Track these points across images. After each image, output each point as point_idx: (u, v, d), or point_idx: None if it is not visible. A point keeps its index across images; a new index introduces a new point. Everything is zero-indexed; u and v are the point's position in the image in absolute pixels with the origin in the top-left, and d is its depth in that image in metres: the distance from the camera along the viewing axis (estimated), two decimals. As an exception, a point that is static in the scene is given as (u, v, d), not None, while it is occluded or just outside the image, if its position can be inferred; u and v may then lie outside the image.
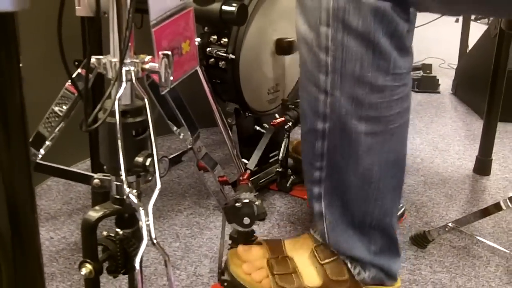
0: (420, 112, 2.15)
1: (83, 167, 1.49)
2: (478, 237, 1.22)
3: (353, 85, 0.82)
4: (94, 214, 0.64)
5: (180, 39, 0.68)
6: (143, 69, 0.63)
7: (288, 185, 1.39)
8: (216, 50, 1.26)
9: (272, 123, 1.35)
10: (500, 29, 1.44)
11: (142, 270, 0.64)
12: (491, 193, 1.48)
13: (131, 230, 0.68)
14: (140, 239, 0.60)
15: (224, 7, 1.18)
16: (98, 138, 0.65)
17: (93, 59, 0.63)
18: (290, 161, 1.41)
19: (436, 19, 2.71)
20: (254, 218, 0.95)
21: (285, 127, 1.32)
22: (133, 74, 0.63)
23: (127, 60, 0.62)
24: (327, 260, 0.95)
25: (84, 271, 0.64)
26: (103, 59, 0.63)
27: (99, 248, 0.66)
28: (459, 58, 2.55)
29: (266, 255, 0.97)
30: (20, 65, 0.41)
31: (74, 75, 1.03)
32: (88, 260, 0.64)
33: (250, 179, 1.26)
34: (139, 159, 0.64)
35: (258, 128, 1.43)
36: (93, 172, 1.26)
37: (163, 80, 0.63)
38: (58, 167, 1.16)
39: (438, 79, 2.43)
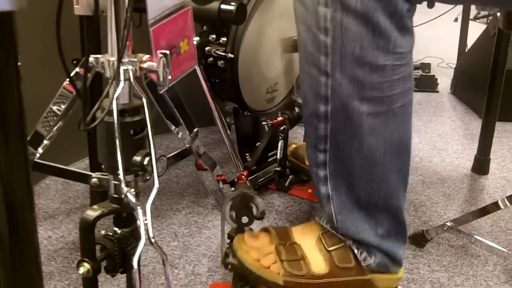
0: (418, 111, 2.14)
1: (81, 166, 1.49)
2: (476, 236, 1.22)
3: (353, 65, 0.82)
4: (92, 213, 0.65)
5: (179, 38, 0.68)
6: (141, 68, 0.63)
7: (286, 184, 1.39)
8: (214, 49, 1.26)
9: (270, 122, 1.35)
10: (499, 29, 1.44)
11: (140, 269, 0.64)
12: (489, 192, 1.48)
13: (129, 229, 0.69)
14: (138, 238, 0.61)
15: (223, 6, 1.17)
16: (96, 137, 0.65)
17: (91, 58, 0.63)
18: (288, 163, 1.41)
19: (435, 18, 2.71)
20: (256, 216, 0.96)
21: (280, 128, 1.31)
22: (131, 73, 0.63)
23: (125, 59, 0.62)
24: (334, 247, 0.95)
25: (82, 270, 0.64)
26: (101, 58, 0.63)
27: (97, 247, 0.66)
28: (458, 57, 2.55)
29: (273, 241, 0.97)
30: (19, 64, 0.41)
31: (72, 74, 1.04)
32: (86, 259, 0.64)
33: (249, 178, 1.26)
34: (137, 158, 0.64)
35: (264, 123, 1.43)
36: (91, 171, 1.26)
37: (161, 79, 0.63)
38: (56, 166, 1.16)
39: (436, 78, 2.43)
